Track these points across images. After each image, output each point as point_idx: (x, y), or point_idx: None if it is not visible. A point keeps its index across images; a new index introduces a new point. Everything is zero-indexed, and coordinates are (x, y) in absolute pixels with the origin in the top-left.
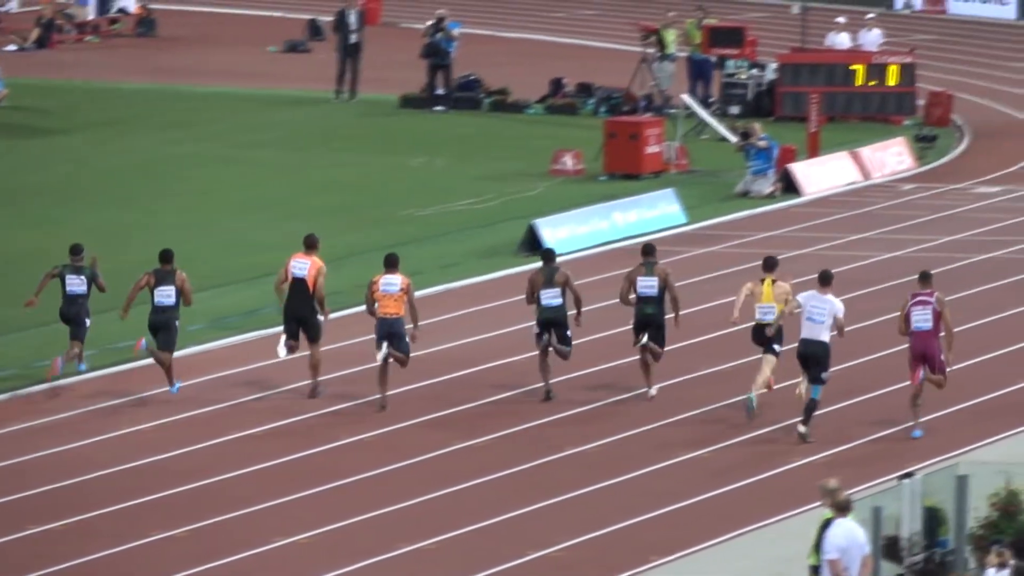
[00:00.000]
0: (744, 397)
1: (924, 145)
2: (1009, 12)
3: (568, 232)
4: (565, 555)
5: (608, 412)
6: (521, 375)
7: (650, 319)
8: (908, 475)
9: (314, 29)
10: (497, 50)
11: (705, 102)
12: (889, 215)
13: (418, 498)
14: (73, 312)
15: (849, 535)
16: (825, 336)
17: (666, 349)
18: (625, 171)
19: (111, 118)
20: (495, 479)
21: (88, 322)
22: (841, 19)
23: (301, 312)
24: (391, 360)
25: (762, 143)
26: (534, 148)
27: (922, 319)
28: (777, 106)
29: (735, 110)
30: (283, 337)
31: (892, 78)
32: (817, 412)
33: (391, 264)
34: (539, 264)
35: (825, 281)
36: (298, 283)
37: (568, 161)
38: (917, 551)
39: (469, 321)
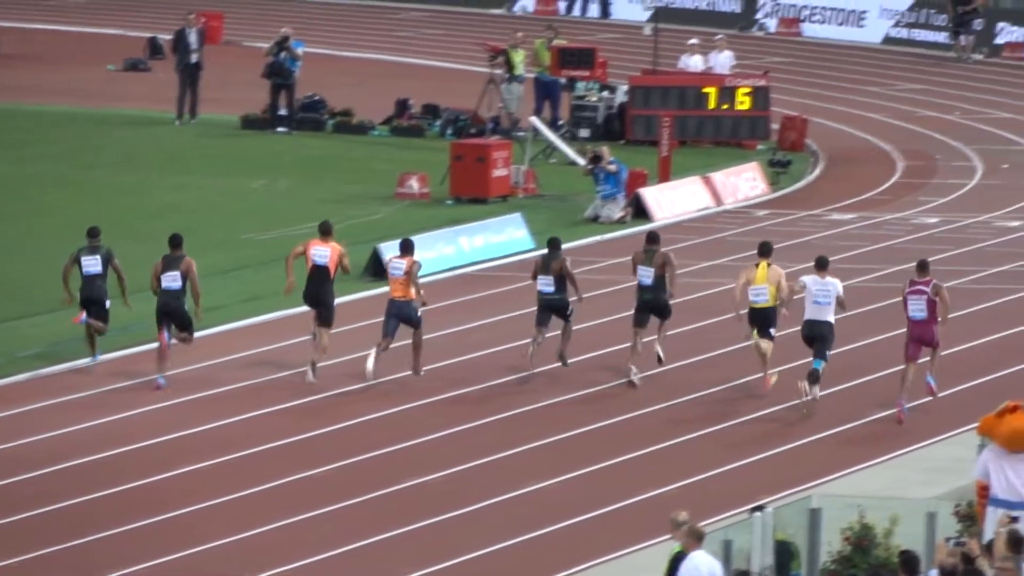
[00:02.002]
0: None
1: (778, 170)
2: (865, 35)
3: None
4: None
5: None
6: (382, 398)
7: (649, 304)
8: (759, 508)
9: (154, 47)
10: (342, 70)
11: (553, 125)
12: (742, 242)
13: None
14: (92, 293)
15: (700, 569)
16: (830, 317)
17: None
18: (472, 195)
19: None
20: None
21: (107, 303)
22: (694, 41)
23: (320, 296)
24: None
25: (612, 167)
26: (379, 171)
27: (917, 309)
28: (628, 129)
29: (585, 133)
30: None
31: (745, 102)
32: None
33: (404, 249)
34: (544, 251)
35: (822, 266)
36: (319, 270)
37: (413, 184)
38: None
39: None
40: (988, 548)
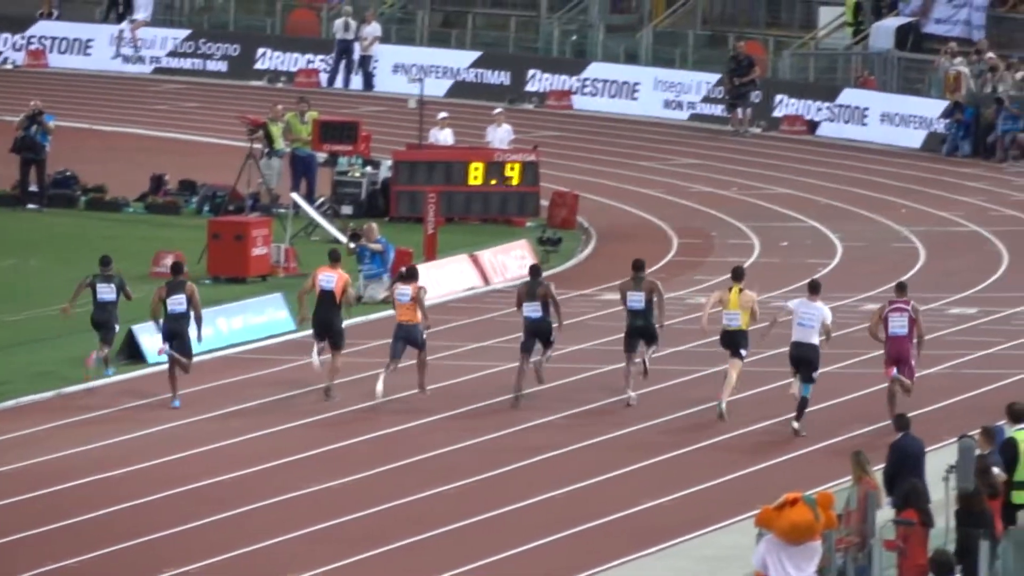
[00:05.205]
0: (715, 404)
1: (548, 248)
2: (639, 108)
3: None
4: None
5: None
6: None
7: (640, 330)
8: None
9: None
10: (94, 144)
11: (311, 200)
12: (511, 323)
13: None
14: (104, 318)
15: None
16: (815, 339)
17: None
18: (230, 274)
19: None
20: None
21: (116, 327)
22: (444, 114)
23: (328, 319)
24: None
25: (376, 246)
26: (133, 249)
27: (898, 325)
28: (392, 206)
29: (347, 210)
30: (315, 347)
31: (514, 177)
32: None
33: (410, 276)
34: (526, 279)
35: (814, 289)
36: (326, 294)
37: (169, 263)
38: None
39: (66, 433)
40: None
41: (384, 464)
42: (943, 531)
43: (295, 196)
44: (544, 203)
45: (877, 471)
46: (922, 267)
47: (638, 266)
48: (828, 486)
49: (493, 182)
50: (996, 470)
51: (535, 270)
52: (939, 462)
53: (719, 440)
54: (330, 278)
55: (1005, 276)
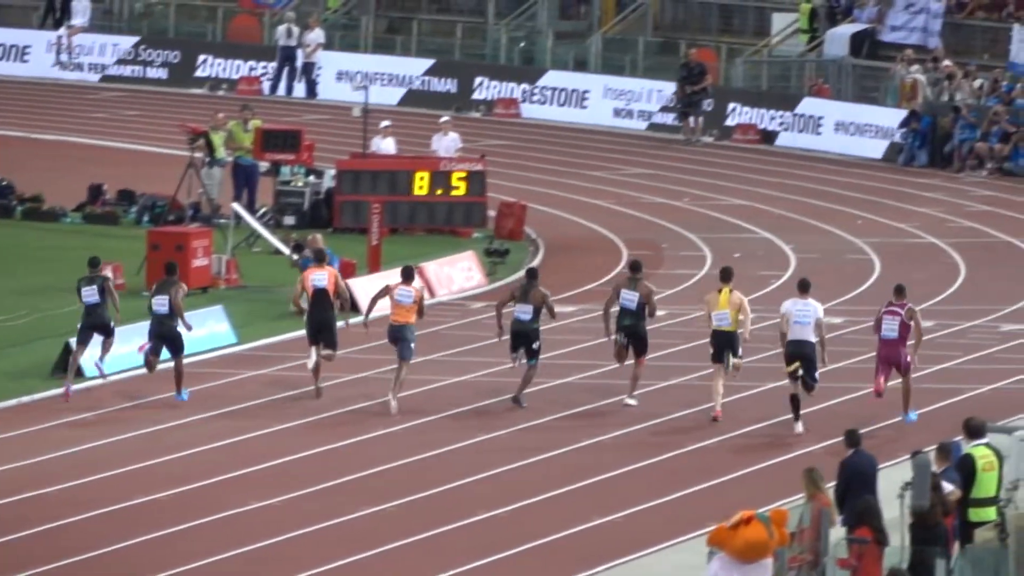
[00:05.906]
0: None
1: (495, 260)
2: (589, 116)
3: (109, 352)
4: None
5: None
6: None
7: (629, 330)
8: None
9: None
10: (31, 153)
11: (251, 210)
12: (457, 336)
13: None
14: (96, 321)
15: None
16: (812, 337)
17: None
18: None
19: None
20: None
21: (112, 327)
22: (386, 123)
23: (323, 318)
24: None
25: None
26: (70, 260)
27: (889, 328)
28: (336, 216)
29: (290, 220)
30: (312, 350)
31: (460, 187)
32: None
33: (408, 276)
34: (523, 279)
35: (804, 288)
36: (320, 293)
37: (108, 275)
38: None
39: (4, 448)
40: None
41: (326, 480)
42: (898, 549)
43: (236, 206)
44: (491, 213)
45: (831, 488)
46: (877, 279)
47: (635, 267)
48: (782, 503)
49: (439, 192)
50: (949, 487)
51: (532, 272)
52: (893, 479)
53: (671, 456)
54: (321, 276)
55: (962, 289)
